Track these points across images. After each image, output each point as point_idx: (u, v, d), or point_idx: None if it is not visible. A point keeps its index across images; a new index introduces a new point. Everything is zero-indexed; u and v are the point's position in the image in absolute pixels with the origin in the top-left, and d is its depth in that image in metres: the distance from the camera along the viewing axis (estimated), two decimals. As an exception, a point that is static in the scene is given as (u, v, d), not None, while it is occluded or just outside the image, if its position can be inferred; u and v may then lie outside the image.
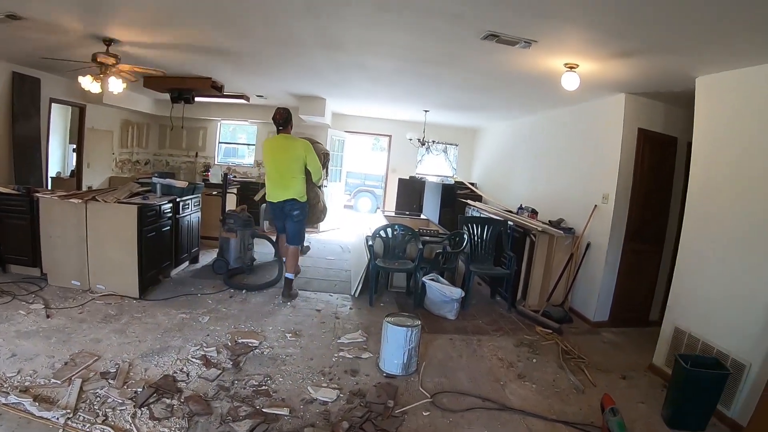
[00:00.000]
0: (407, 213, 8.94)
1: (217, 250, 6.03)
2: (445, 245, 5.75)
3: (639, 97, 5.25)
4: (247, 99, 8.64)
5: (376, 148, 18.23)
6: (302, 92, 7.69)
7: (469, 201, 8.25)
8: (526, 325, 5.24)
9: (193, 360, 3.52)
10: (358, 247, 6.74)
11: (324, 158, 6.48)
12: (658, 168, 5.49)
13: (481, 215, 6.91)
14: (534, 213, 6.58)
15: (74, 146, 8.07)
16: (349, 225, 10.29)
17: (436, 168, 10.98)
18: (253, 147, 10.84)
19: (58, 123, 8.22)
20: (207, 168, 10.48)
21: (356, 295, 5.53)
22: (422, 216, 8.59)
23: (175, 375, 3.27)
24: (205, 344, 3.83)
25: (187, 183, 5.74)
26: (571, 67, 4.18)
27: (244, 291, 5.30)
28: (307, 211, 5.38)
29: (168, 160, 10.69)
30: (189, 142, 10.67)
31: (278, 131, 5.21)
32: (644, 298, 5.71)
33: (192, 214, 5.97)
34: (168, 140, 10.63)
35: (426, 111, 8.27)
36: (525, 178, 7.93)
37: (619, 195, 5.33)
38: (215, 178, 7.99)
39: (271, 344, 4.00)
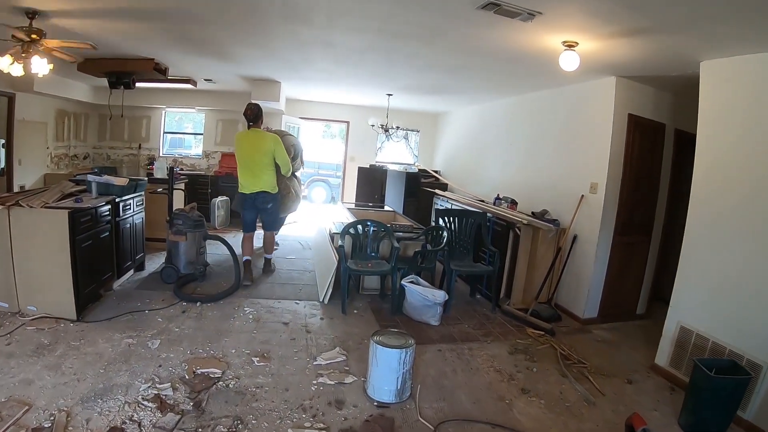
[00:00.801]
0: (370, 204, 8.41)
1: (165, 254, 5.31)
2: (424, 243, 5.27)
3: (629, 80, 4.93)
4: (194, 84, 7.84)
5: (327, 135, 17.49)
6: (255, 75, 6.98)
7: (437, 191, 7.79)
8: (515, 327, 4.85)
9: (145, 403, 2.84)
10: (321, 244, 6.21)
11: (294, 150, 6.51)
12: (647, 155, 5.23)
13: (456, 207, 6.45)
14: (514, 204, 6.19)
15: (3, 141, 7.05)
16: (305, 217, 9.61)
17: (397, 156, 10.48)
18: (201, 137, 9.96)
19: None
20: (151, 161, 9.59)
21: (325, 301, 4.96)
22: (386, 207, 8.07)
23: (124, 427, 2.61)
24: (157, 379, 3.15)
25: (128, 179, 4.97)
26: (570, 46, 3.76)
27: (198, 303, 4.61)
28: (279, 202, 5.76)
29: (109, 154, 9.69)
30: (131, 133, 9.71)
31: (249, 126, 5.41)
32: (631, 291, 5.52)
33: (135, 215, 5.21)
34: (108, 131, 9.63)
35: (389, 95, 7.72)
36: (497, 165, 7.53)
37: (609, 184, 5.01)
38: (160, 172, 7.20)
39: (237, 373, 3.36)
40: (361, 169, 9.50)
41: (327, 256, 5.42)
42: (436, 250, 5.09)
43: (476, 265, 5.43)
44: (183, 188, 6.74)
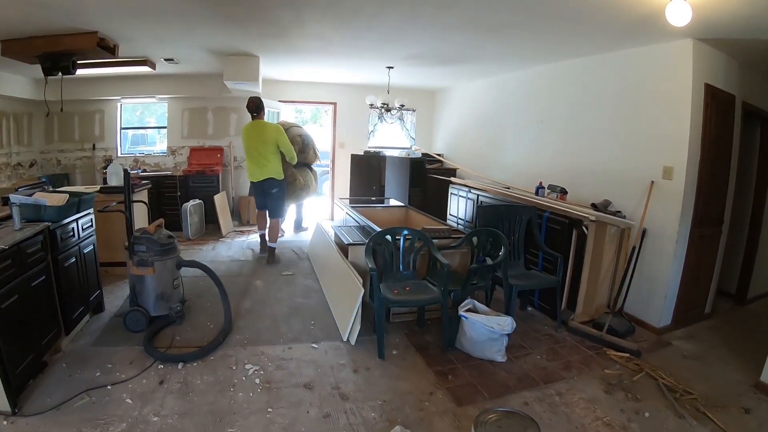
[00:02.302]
0: (373, 199, 7.20)
1: (129, 290, 4.03)
2: (479, 256, 4.12)
3: (705, 44, 4.00)
4: (152, 66, 6.42)
5: (299, 121, 15.90)
6: (228, 49, 5.60)
7: (453, 179, 6.62)
8: (591, 350, 3.90)
9: None
10: (326, 257, 5.09)
11: (302, 141, 6.86)
12: (722, 133, 4.36)
13: (497, 201, 5.32)
14: (563, 193, 5.10)
15: None
16: (290, 214, 8.29)
17: (392, 139, 9.22)
18: (165, 131, 8.50)
19: None
20: (108, 162, 8.12)
21: (351, 341, 3.75)
22: (392, 201, 6.85)
23: None
24: None
25: (67, 195, 3.62)
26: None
27: (180, 365, 3.34)
28: (285, 189, 6.01)
29: (59, 158, 8.10)
30: (83, 132, 8.14)
31: (252, 117, 5.72)
32: (703, 290, 4.73)
33: (82, 242, 3.87)
34: (56, 132, 8.05)
35: (389, 68, 6.44)
36: (521, 147, 6.43)
37: (689, 168, 4.07)
38: (115, 178, 5.80)
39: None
40: (354, 157, 8.22)
41: (341, 276, 4.25)
42: (497, 263, 3.88)
43: (537, 274, 4.34)
44: (145, 199, 5.37)
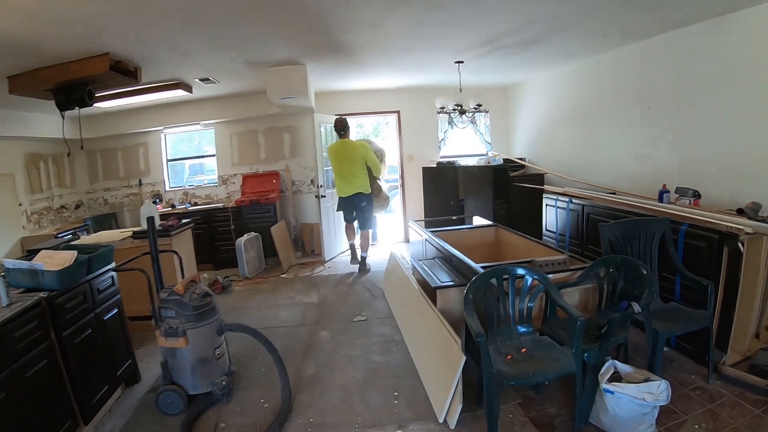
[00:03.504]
0: (453, 218, 6.18)
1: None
2: (625, 303, 2.99)
3: None
4: (188, 89, 5.76)
5: (360, 136, 14.95)
6: (265, 59, 4.80)
7: (546, 188, 5.48)
8: (755, 405, 2.77)
9: None
10: (400, 287, 4.18)
11: (380, 155, 6.97)
12: None
13: (614, 212, 4.19)
14: (696, 197, 3.90)
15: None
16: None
17: (465, 146, 8.16)
18: (214, 159, 7.87)
19: None
20: (158, 198, 7.60)
21: (450, 422, 2.72)
22: (475, 220, 5.78)
23: None
24: None
25: (75, 254, 2.85)
26: None
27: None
28: (372, 201, 6.24)
29: (106, 197, 7.70)
30: (128, 167, 7.70)
31: (340, 136, 6.01)
32: None
33: (101, 306, 3.11)
34: (100, 170, 7.68)
35: (459, 63, 5.43)
36: (624, 143, 5.26)
37: None
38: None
39: None
40: (426, 170, 7.24)
41: (429, 329, 3.26)
42: (642, 308, 2.73)
43: (681, 309, 3.13)
44: (189, 242, 4.61)
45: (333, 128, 6.11)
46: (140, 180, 7.68)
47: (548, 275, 2.95)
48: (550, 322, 2.95)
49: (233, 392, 3.22)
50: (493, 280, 2.78)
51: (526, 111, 7.53)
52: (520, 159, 7.22)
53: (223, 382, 3.09)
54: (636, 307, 2.64)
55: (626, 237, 3.42)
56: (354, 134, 6.71)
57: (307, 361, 3.66)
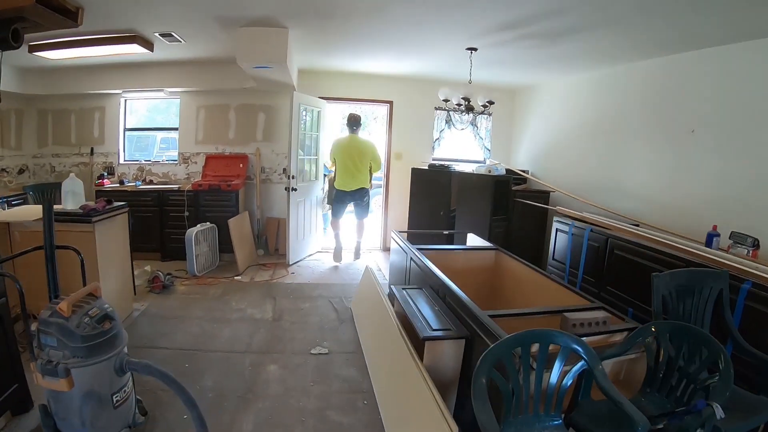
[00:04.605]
0: (445, 233, 5.34)
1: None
2: (705, 402, 2.11)
3: None
4: (148, 45, 4.78)
5: (342, 127, 13.76)
6: (240, 15, 3.86)
7: (558, 209, 4.66)
8: None
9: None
10: (374, 317, 3.43)
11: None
12: None
13: (663, 260, 3.37)
14: (756, 247, 3.11)
15: None
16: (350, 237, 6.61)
17: (460, 150, 7.31)
18: (175, 135, 6.87)
19: None
20: (109, 170, 6.58)
21: None
22: (470, 237, 4.90)
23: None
24: None
25: None
26: None
27: None
28: (370, 196, 6.48)
29: (53, 164, 6.64)
30: (80, 133, 6.65)
31: (351, 131, 6.13)
32: None
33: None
34: (51, 133, 6.63)
35: (472, 50, 4.56)
36: (656, 167, 4.47)
37: None
38: (72, 198, 4.03)
39: None
40: (416, 172, 6.37)
41: (411, 389, 2.41)
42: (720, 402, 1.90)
43: (748, 398, 2.31)
44: (126, 229, 3.64)
45: (346, 122, 6.16)
46: (92, 149, 6.64)
47: (582, 337, 2.10)
48: (583, 407, 2.10)
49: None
50: (518, 349, 1.92)
51: (536, 118, 6.69)
52: (523, 171, 6.39)
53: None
54: (719, 412, 1.80)
55: (680, 292, 2.60)
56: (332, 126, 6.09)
57: (243, 412, 2.73)
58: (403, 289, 3.14)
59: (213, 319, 4.13)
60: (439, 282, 3.05)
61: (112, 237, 3.86)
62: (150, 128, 7.29)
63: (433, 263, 3.39)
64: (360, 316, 4.09)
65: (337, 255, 6.23)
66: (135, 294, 4.47)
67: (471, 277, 3.92)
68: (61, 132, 6.63)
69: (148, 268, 5.23)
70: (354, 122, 6.09)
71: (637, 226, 4.13)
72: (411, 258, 3.77)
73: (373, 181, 6.61)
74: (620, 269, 3.70)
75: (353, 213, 6.43)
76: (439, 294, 3.05)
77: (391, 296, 3.41)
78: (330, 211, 6.68)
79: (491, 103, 4.81)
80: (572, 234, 4.28)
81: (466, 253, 4.04)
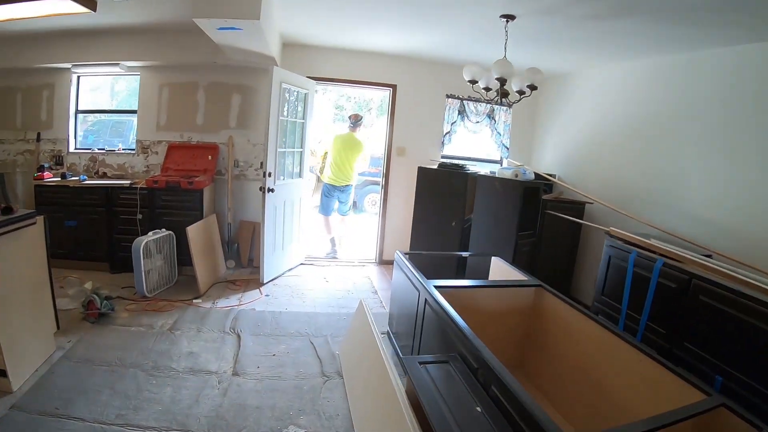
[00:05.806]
0: (465, 255, 4.35)
1: None
2: None
3: None
4: (90, 3, 3.65)
5: (340, 119, 12.30)
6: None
7: (612, 230, 3.61)
8: None
9: None
10: (374, 386, 2.45)
11: None
12: None
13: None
14: None
15: None
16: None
17: (472, 148, 6.25)
18: (133, 118, 5.72)
19: None
20: (56, 161, 5.46)
21: None
22: (494, 262, 3.82)
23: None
24: None
25: None
26: None
27: None
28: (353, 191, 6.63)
29: None
30: (26, 115, 5.51)
31: (350, 128, 6.16)
32: None
33: None
34: None
35: (508, 18, 3.48)
36: (725, 181, 3.50)
37: None
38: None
39: None
40: (423, 172, 5.30)
41: None
42: None
43: None
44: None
45: (349, 119, 6.23)
46: (39, 134, 5.51)
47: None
48: None
49: None
50: None
51: (566, 113, 5.61)
52: (549, 175, 5.33)
53: None
54: None
55: None
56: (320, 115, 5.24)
57: None
58: (420, 364, 2.07)
59: (155, 367, 3.06)
60: (476, 352, 2.00)
61: (15, 261, 2.77)
62: (102, 110, 6.14)
63: (453, 307, 2.36)
64: (351, 371, 3.02)
65: (332, 242, 6.35)
66: (58, 328, 3.35)
67: (501, 322, 2.92)
68: (4, 114, 5.49)
69: (88, 285, 4.12)
70: (356, 121, 6.15)
71: (710, 256, 3.13)
72: (426, 300, 2.72)
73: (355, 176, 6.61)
74: (707, 321, 2.67)
75: (337, 210, 6.40)
76: (479, 377, 1.99)
77: (401, 366, 2.37)
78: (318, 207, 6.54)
79: (534, 88, 3.69)
80: (639, 268, 3.23)
81: (498, 292, 2.98)
